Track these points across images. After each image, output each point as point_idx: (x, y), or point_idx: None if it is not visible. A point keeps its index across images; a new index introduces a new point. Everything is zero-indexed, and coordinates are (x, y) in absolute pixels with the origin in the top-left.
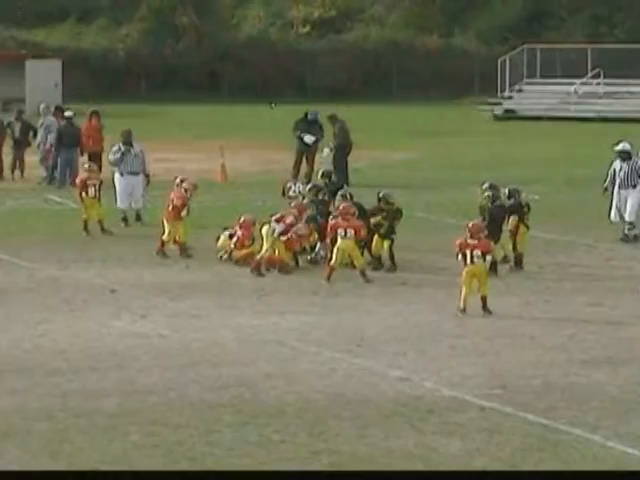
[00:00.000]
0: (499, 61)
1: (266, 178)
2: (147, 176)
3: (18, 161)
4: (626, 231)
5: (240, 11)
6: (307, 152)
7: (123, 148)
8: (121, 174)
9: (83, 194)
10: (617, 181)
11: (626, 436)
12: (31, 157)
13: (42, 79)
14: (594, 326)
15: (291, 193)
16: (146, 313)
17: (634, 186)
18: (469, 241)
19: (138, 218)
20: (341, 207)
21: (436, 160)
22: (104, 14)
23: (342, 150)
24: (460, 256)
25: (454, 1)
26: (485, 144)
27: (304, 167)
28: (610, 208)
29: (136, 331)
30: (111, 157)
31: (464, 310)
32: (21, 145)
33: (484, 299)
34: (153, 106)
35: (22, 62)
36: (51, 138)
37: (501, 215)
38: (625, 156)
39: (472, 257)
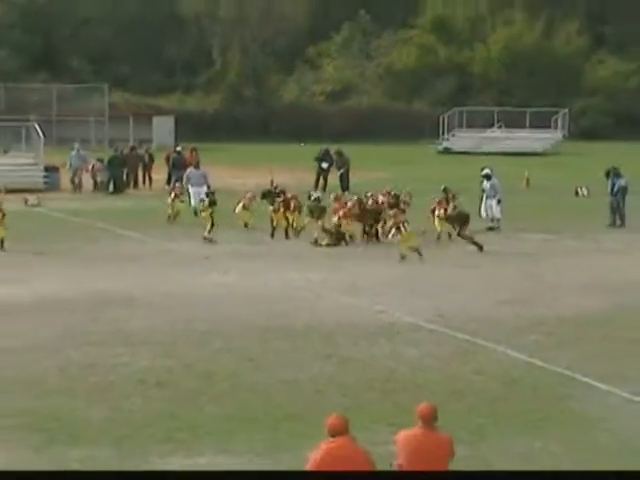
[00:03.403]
0: (440, 117)
1: (298, 189)
2: (208, 187)
3: (147, 177)
4: (495, 224)
5: (282, 85)
6: (323, 173)
7: (192, 170)
8: (191, 185)
9: (176, 200)
10: (485, 193)
11: (518, 347)
12: (158, 175)
13: (162, 128)
14: (506, 278)
15: (313, 197)
16: (227, 270)
17: (494, 196)
18: None
19: (195, 213)
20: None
21: (401, 178)
22: (199, 88)
23: (348, 172)
24: None
25: (413, 80)
26: (432, 169)
27: (321, 182)
28: (479, 209)
29: (221, 282)
30: (185, 175)
31: None
32: (148, 168)
33: None
34: (228, 144)
35: (150, 117)
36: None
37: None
38: (488, 177)
39: None
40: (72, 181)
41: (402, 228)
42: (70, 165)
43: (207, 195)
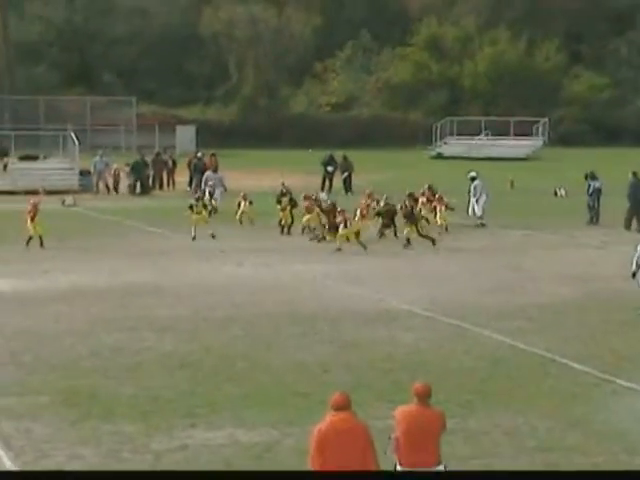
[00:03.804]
0: (433, 126)
1: (306, 189)
2: (225, 189)
3: (171, 180)
4: (478, 222)
5: (292, 98)
6: (328, 176)
7: (210, 173)
8: (211, 187)
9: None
10: (477, 192)
11: (503, 331)
12: (181, 178)
13: (184, 136)
14: (492, 270)
15: (321, 197)
16: (241, 263)
17: (479, 195)
18: None
19: (215, 210)
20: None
21: (397, 179)
22: (218, 100)
23: (351, 175)
24: None
25: (409, 93)
26: (425, 172)
27: (327, 184)
28: (467, 208)
29: (236, 273)
30: (204, 177)
31: None
32: (171, 171)
33: None
34: (243, 151)
35: (174, 126)
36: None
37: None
38: (473, 179)
39: None
40: (96, 184)
41: (347, 224)
42: (94, 169)
43: (197, 200)
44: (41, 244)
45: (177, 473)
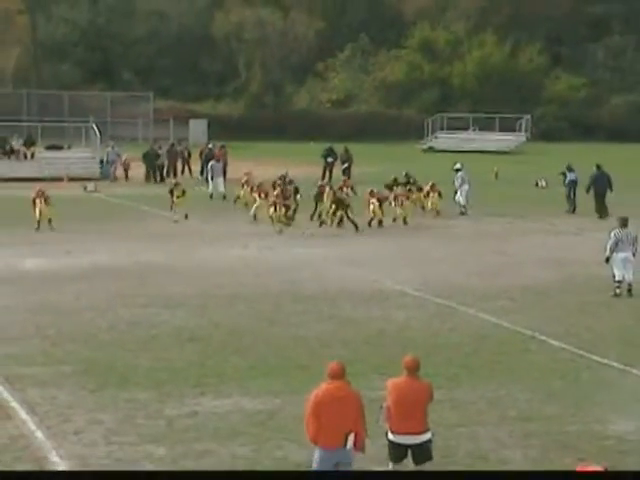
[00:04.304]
0: (426, 121)
1: (308, 179)
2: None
3: (188, 168)
4: (460, 210)
5: (296, 94)
6: (329, 167)
7: (214, 163)
8: (215, 175)
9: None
10: (459, 182)
11: (487, 310)
12: (194, 167)
13: (197, 129)
14: (478, 254)
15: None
16: (247, 246)
17: (461, 185)
18: None
19: (224, 197)
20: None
21: (391, 170)
22: (228, 96)
23: (350, 166)
24: None
25: (403, 91)
26: (417, 164)
27: (327, 175)
28: (454, 196)
29: (242, 255)
30: (209, 166)
31: None
32: (187, 161)
33: None
34: (251, 143)
35: (187, 120)
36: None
37: None
38: (458, 170)
39: None
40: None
41: (277, 207)
42: (107, 160)
43: (176, 185)
44: (40, 224)
45: (178, 473)
